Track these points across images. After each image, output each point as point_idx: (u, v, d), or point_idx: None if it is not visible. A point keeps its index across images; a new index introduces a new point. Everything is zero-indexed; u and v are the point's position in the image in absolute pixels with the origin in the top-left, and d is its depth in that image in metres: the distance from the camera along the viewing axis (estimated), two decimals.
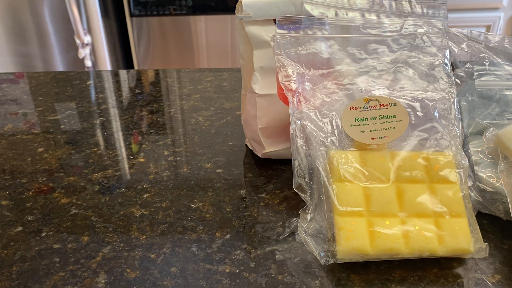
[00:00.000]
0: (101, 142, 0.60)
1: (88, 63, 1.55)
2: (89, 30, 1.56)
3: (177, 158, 0.56)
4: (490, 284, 0.37)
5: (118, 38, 1.75)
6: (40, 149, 0.58)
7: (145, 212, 0.46)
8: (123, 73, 0.86)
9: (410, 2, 0.46)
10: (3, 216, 0.46)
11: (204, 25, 1.69)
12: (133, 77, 0.84)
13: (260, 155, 0.53)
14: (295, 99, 0.42)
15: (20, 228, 0.44)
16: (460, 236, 0.37)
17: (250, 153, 0.56)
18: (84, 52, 1.52)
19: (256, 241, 0.42)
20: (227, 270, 0.38)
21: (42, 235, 0.43)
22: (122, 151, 0.57)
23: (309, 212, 0.40)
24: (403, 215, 0.38)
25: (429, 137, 0.42)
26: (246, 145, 0.58)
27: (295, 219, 0.44)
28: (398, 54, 0.45)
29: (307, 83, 0.44)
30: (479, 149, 0.45)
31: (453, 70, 0.48)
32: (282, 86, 0.43)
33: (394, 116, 0.41)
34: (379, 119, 0.41)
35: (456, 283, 0.37)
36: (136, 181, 0.51)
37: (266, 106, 0.50)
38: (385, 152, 0.41)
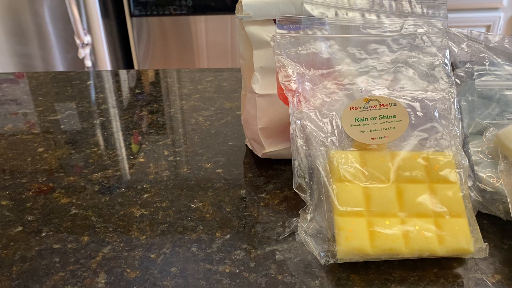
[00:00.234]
0: (101, 142, 0.60)
1: (88, 63, 1.55)
2: (89, 30, 1.56)
3: (177, 158, 0.56)
4: (490, 284, 0.37)
5: (118, 38, 1.75)
6: (40, 149, 0.58)
7: (145, 212, 0.46)
8: (123, 73, 0.86)
9: (410, 2, 0.46)
10: (3, 216, 0.46)
11: (204, 25, 1.69)
12: (133, 77, 0.84)
13: (260, 155, 0.53)
14: (295, 99, 0.42)
15: (20, 228, 0.44)
16: (460, 236, 0.37)
17: (250, 153, 0.56)
18: (84, 52, 1.52)
19: (256, 241, 0.42)
20: (227, 270, 0.38)
21: (42, 235, 0.43)
22: (122, 151, 0.58)
23: (309, 212, 0.40)
24: (403, 215, 0.38)
25: (429, 137, 0.42)
26: (246, 145, 0.58)
27: (295, 219, 0.44)
28: (398, 54, 0.45)
29: (307, 83, 0.44)
30: (479, 149, 0.45)
31: (453, 70, 0.48)
32: (282, 86, 0.43)
33: (394, 116, 0.41)
34: (379, 119, 0.41)
35: (456, 283, 0.37)
36: (136, 181, 0.51)
37: (266, 106, 0.50)
38: (385, 152, 0.41)
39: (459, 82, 0.49)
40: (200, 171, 0.53)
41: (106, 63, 1.62)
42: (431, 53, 0.45)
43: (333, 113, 0.42)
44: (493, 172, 0.43)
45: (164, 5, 1.66)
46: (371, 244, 0.37)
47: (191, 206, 0.47)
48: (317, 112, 0.42)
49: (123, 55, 1.81)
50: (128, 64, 1.85)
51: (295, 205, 0.46)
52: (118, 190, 0.49)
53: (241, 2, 0.47)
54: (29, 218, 0.45)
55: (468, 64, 0.50)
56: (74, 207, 0.47)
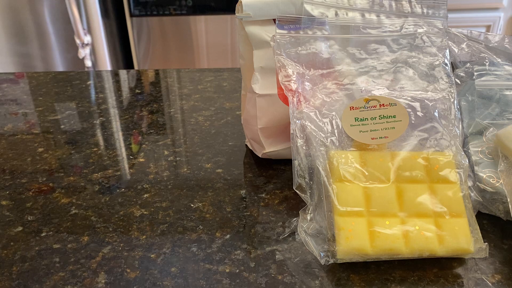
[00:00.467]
0: (101, 142, 0.60)
1: (88, 63, 1.55)
2: (89, 30, 1.56)
3: (177, 158, 0.56)
4: (490, 284, 0.37)
5: (118, 38, 1.75)
6: (40, 149, 0.58)
7: (145, 212, 0.46)
8: (123, 73, 0.86)
9: (410, 2, 0.46)
10: (3, 216, 0.46)
11: (204, 25, 1.69)
12: (133, 77, 0.84)
13: (260, 155, 0.53)
14: (295, 99, 0.42)
15: (20, 228, 0.44)
16: (460, 236, 0.37)
17: (250, 153, 0.56)
18: (84, 52, 1.52)
19: (256, 241, 0.42)
20: (227, 270, 0.38)
21: (42, 235, 0.43)
22: (122, 151, 0.58)
23: (309, 212, 0.40)
24: (403, 215, 0.38)
25: (429, 137, 0.42)
26: (246, 145, 0.58)
27: (295, 219, 0.44)
28: (398, 54, 0.45)
29: (307, 83, 0.44)
30: (479, 149, 0.45)
31: (453, 70, 0.48)
32: (282, 86, 0.43)
33: (394, 116, 0.41)
34: (379, 119, 0.41)
35: (456, 283, 0.37)
36: (136, 181, 0.51)
37: (266, 106, 0.50)
38: (385, 152, 0.41)
39: (459, 82, 0.49)
40: (200, 171, 0.53)
41: (106, 63, 1.62)
42: (431, 53, 0.45)
43: (333, 113, 0.42)
44: (493, 172, 0.43)
45: (164, 5, 1.66)
46: (371, 244, 0.37)
47: (191, 206, 0.47)
48: (317, 112, 0.42)
49: (123, 55, 1.81)
50: (128, 64, 1.85)
51: (295, 205, 0.46)
52: (118, 190, 0.49)
53: (241, 2, 0.47)
54: (29, 218, 0.45)
55: (468, 64, 0.50)
56: (74, 207, 0.47)
